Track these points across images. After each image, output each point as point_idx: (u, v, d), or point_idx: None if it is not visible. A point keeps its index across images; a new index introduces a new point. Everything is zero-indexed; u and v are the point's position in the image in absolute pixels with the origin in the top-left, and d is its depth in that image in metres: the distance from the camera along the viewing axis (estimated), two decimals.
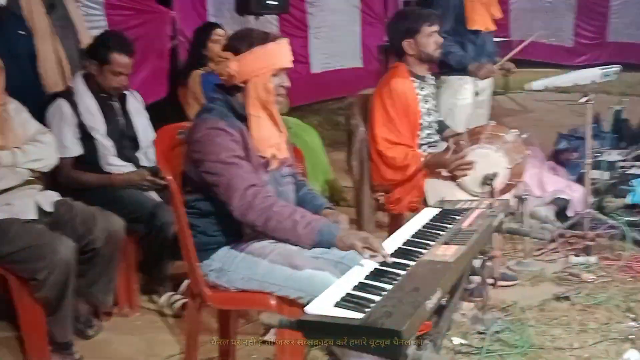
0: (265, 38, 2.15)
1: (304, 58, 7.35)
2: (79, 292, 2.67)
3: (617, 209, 3.79)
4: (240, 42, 2.15)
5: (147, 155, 3.18)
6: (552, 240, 3.63)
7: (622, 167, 4.16)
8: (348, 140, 3.26)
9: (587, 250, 3.45)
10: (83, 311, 2.81)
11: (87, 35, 3.55)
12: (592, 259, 3.40)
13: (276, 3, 6.12)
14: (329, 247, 2.04)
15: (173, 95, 4.48)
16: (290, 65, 2.20)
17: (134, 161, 3.12)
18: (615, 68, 3.57)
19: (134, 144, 3.16)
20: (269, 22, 6.56)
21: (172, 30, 5.21)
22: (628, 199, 3.76)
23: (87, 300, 2.80)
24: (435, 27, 3.10)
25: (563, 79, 3.45)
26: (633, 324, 2.78)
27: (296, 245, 2.08)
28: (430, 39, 3.09)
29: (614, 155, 4.22)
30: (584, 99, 3.39)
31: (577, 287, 3.13)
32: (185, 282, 3.14)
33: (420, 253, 1.91)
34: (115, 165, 3.04)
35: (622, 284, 3.15)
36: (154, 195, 3.07)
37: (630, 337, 2.66)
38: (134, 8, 4.71)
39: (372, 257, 1.91)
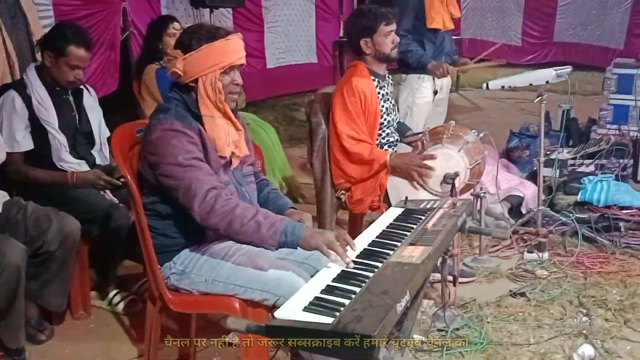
0: (213, 35, 2.09)
1: (260, 53, 7.27)
2: (31, 296, 2.58)
3: (568, 206, 3.89)
4: (188, 40, 2.10)
5: (102, 153, 3.08)
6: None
7: (572, 165, 4.27)
8: (310, 139, 3.24)
9: (539, 247, 3.52)
10: (34, 315, 2.70)
11: (38, 27, 3.41)
12: (545, 255, 3.48)
13: None
14: (294, 248, 2.01)
15: (125, 89, 4.36)
16: (241, 62, 2.15)
17: (88, 159, 3.01)
18: (567, 69, 3.67)
19: (89, 140, 3.05)
20: (224, 16, 6.47)
21: (123, 22, 5.08)
22: (579, 196, 3.85)
23: (39, 304, 2.69)
24: (392, 27, 3.10)
25: (519, 79, 3.52)
26: (585, 319, 2.86)
27: (260, 247, 2.04)
28: (387, 38, 3.08)
29: (564, 154, 4.33)
30: (538, 99, 3.46)
31: (531, 283, 3.20)
32: (141, 282, 3.08)
33: (387, 254, 1.91)
34: (68, 162, 2.91)
35: (574, 280, 3.23)
36: (109, 195, 2.97)
37: (583, 332, 2.73)
38: None
39: (335, 260, 1.88)
